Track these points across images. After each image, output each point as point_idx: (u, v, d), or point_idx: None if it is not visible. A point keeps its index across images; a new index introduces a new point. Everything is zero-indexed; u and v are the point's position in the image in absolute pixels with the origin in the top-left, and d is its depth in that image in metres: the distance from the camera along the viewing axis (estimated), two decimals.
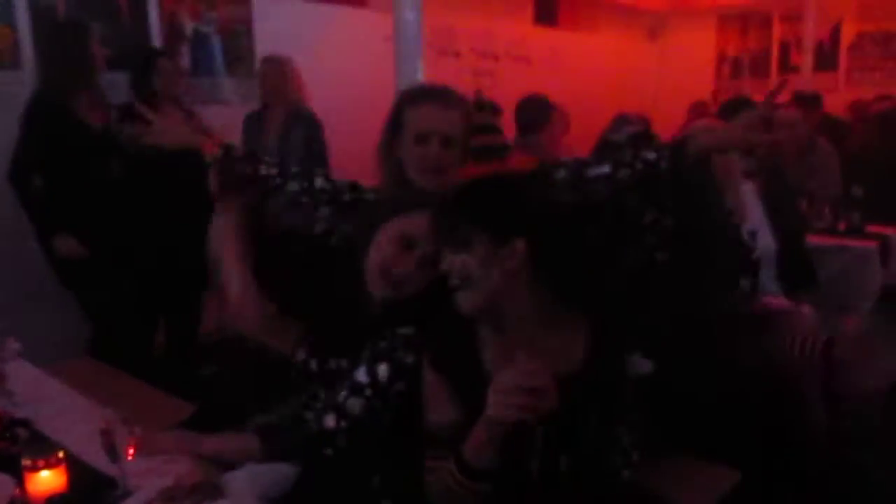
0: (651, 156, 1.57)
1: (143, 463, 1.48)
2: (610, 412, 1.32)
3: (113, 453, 1.38)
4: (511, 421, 1.16)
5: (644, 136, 2.48)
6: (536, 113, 3.79)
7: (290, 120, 3.83)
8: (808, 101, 5.04)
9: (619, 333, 1.34)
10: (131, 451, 1.39)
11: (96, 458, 1.47)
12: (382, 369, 1.41)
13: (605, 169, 1.59)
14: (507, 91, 4.06)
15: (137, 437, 1.38)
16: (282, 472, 1.43)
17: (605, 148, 2.47)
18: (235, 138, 4.08)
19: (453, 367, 1.35)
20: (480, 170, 1.37)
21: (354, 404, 1.42)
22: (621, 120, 4.56)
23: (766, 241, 2.60)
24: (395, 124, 1.77)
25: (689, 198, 1.60)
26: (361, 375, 1.43)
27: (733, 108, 4.41)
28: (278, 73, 3.84)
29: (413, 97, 1.77)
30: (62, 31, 3.22)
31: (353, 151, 4.26)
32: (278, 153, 3.78)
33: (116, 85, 3.68)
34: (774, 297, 2.53)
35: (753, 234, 2.53)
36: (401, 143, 1.74)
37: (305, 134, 3.84)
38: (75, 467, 1.43)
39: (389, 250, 1.48)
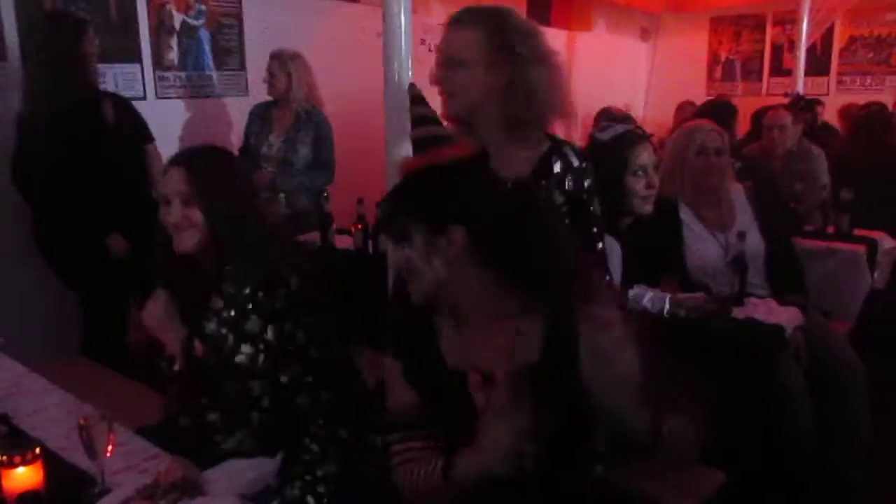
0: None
1: (121, 460, 1.46)
2: (569, 402, 1.30)
3: (91, 450, 1.36)
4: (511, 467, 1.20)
5: (629, 136, 2.49)
6: None
7: (300, 121, 3.75)
8: (802, 106, 5.06)
9: (572, 320, 1.31)
10: (110, 447, 1.37)
11: (75, 454, 1.46)
12: None
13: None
14: None
15: None
16: (262, 469, 1.41)
17: (593, 148, 2.46)
18: (223, 132, 4.07)
19: (411, 353, 1.38)
20: (419, 161, 1.35)
21: None
22: (606, 114, 4.57)
23: (754, 243, 2.60)
24: None
25: None
26: None
27: (712, 109, 4.45)
28: (284, 71, 3.73)
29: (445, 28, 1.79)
30: (56, 25, 3.15)
31: (344, 146, 4.26)
32: (283, 155, 3.73)
33: (103, 78, 3.65)
34: (762, 300, 2.53)
35: (742, 235, 2.53)
36: None
37: (315, 136, 3.78)
38: (53, 464, 1.42)
39: None
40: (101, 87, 3.37)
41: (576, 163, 1.81)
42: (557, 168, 1.79)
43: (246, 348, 1.51)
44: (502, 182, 1.34)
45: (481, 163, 1.34)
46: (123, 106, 3.23)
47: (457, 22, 1.74)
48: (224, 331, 1.53)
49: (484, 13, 1.74)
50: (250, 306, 1.51)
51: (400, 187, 1.37)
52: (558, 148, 1.81)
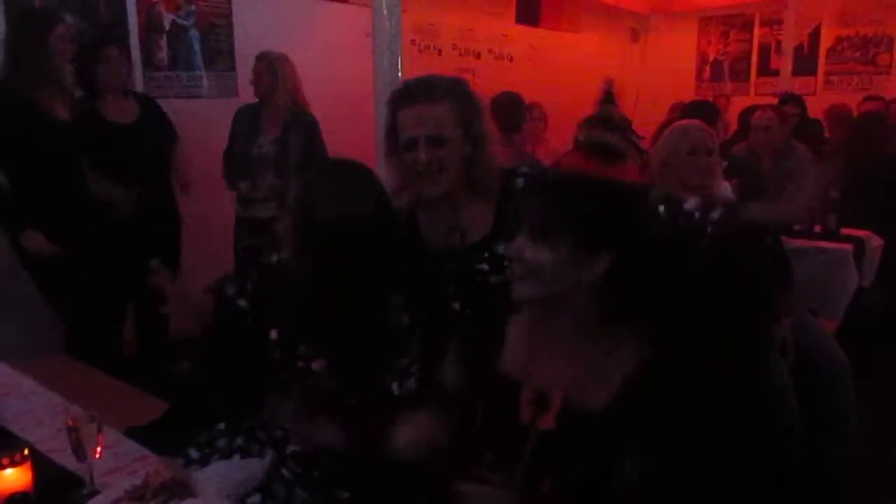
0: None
1: (110, 461, 1.46)
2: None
3: (80, 451, 1.35)
4: None
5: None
6: (512, 112, 3.77)
7: (288, 122, 3.71)
8: (788, 99, 5.11)
9: (666, 375, 1.20)
10: (98, 449, 1.36)
11: (64, 456, 1.45)
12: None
13: (692, 204, 1.57)
14: (489, 89, 4.04)
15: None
16: (251, 469, 1.41)
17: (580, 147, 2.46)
18: (212, 132, 4.05)
19: (478, 357, 1.32)
20: (590, 166, 1.22)
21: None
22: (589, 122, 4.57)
23: None
24: (390, 131, 1.74)
25: None
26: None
27: (696, 109, 4.48)
28: (272, 72, 3.70)
29: (396, 100, 1.73)
30: (25, 21, 3.13)
31: (334, 147, 4.25)
32: (275, 157, 3.71)
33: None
34: None
35: None
36: (398, 147, 1.72)
37: (305, 136, 3.76)
38: (41, 465, 1.41)
39: None
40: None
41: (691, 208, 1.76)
42: (520, 183, 1.78)
43: None
44: (660, 222, 1.29)
45: (643, 194, 1.26)
46: (149, 105, 3.41)
47: (427, 97, 1.68)
48: None
49: (449, 86, 1.72)
50: None
51: (563, 187, 1.25)
52: (513, 171, 1.82)
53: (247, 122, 3.76)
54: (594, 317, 1.22)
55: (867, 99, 5.99)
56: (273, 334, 1.59)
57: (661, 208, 1.52)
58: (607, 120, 1.26)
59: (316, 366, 1.50)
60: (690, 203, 1.61)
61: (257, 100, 3.74)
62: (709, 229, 1.53)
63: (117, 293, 3.39)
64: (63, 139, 3.05)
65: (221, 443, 1.56)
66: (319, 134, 3.81)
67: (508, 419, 1.24)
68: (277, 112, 3.70)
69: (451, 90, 1.70)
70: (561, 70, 7.24)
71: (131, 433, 1.64)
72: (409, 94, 1.71)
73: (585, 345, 1.23)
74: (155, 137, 3.41)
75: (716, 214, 1.56)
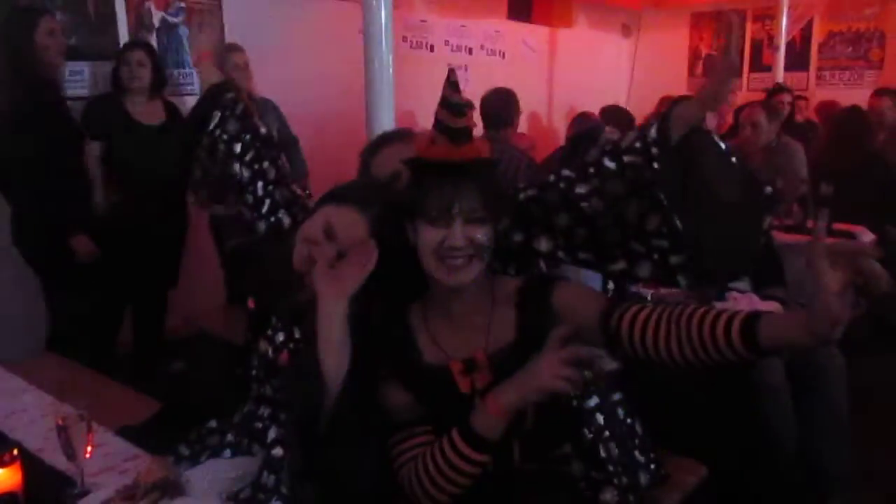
0: (635, 156, 1.43)
1: (101, 461, 1.45)
2: None
3: (70, 450, 1.35)
4: (559, 390, 1.21)
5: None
6: (504, 108, 3.76)
7: (258, 108, 3.68)
8: (775, 92, 5.12)
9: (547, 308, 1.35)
10: (89, 448, 1.36)
11: (54, 455, 1.44)
12: None
13: (594, 183, 1.49)
14: (482, 86, 4.04)
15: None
16: (243, 468, 1.41)
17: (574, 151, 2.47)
18: None
19: (393, 353, 1.38)
20: (484, 148, 1.35)
21: None
22: (581, 120, 4.59)
23: None
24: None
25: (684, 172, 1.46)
26: None
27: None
28: (244, 61, 3.73)
29: (372, 148, 1.75)
30: (10, 17, 3.11)
31: (323, 144, 4.25)
32: None
33: (81, 76, 3.62)
34: (743, 294, 2.55)
35: None
36: None
37: (278, 121, 3.76)
38: (31, 465, 1.40)
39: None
40: (78, 84, 3.35)
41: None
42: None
43: None
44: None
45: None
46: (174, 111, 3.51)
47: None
48: None
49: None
50: None
51: (477, 168, 1.33)
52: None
53: None
54: (482, 279, 1.36)
55: (878, 93, 5.96)
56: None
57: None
58: (458, 108, 1.33)
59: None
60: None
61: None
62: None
63: (119, 294, 3.40)
64: (63, 132, 3.03)
65: (212, 440, 1.56)
66: (285, 119, 3.77)
67: (458, 397, 1.33)
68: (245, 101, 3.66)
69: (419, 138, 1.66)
70: (554, 66, 7.25)
71: (124, 432, 1.64)
72: (383, 140, 1.76)
73: (475, 309, 1.37)
74: (178, 143, 3.38)
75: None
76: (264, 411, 1.54)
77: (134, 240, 3.26)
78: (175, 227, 3.54)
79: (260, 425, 1.53)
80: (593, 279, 2.17)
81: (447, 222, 1.28)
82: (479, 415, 1.27)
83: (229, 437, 1.57)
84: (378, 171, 1.66)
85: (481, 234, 1.30)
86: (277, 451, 1.39)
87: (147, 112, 3.36)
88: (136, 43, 3.64)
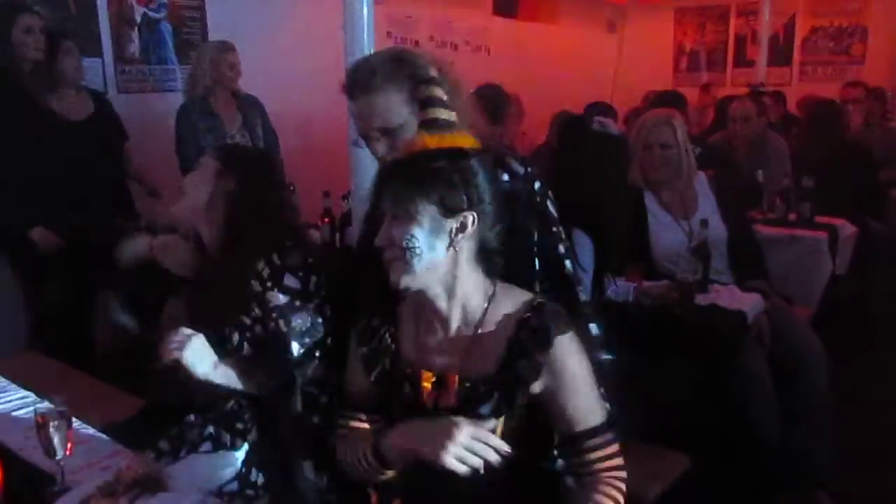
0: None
1: (82, 458, 1.45)
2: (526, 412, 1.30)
3: (50, 448, 1.34)
4: (448, 466, 1.18)
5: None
6: (495, 104, 3.76)
7: (244, 105, 3.64)
8: (758, 94, 5.15)
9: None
10: (69, 445, 1.35)
11: (36, 454, 1.43)
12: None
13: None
14: (467, 81, 4.03)
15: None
16: (224, 463, 1.40)
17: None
18: None
19: (372, 342, 1.38)
20: (431, 141, 1.29)
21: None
22: (563, 117, 4.60)
23: (717, 230, 2.64)
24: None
25: None
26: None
27: (663, 100, 4.53)
28: (237, 61, 3.61)
29: (344, 91, 1.64)
30: None
31: (309, 140, 4.24)
32: (247, 144, 3.61)
33: None
34: (725, 286, 2.57)
35: (705, 223, 2.57)
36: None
37: (262, 117, 3.72)
38: (11, 463, 1.39)
39: None
40: None
41: (521, 171, 1.77)
42: (505, 178, 1.76)
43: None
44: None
45: (487, 155, 1.34)
46: (101, 102, 3.32)
47: (369, 89, 1.58)
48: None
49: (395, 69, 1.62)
50: None
51: (409, 164, 1.29)
52: (501, 160, 1.79)
53: (204, 118, 3.55)
54: (471, 288, 1.31)
55: (848, 85, 6.03)
56: None
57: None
58: (430, 100, 1.34)
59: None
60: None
61: (196, 93, 3.57)
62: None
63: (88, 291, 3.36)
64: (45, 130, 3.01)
65: (192, 434, 1.55)
66: (266, 113, 3.75)
67: (417, 406, 1.32)
68: (226, 98, 3.60)
69: (393, 73, 1.57)
70: (539, 61, 7.25)
71: (107, 430, 1.63)
72: (348, 86, 1.61)
73: (462, 323, 1.32)
74: (107, 136, 3.34)
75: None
76: (246, 412, 1.55)
77: (85, 236, 3.21)
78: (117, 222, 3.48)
79: (241, 426, 1.54)
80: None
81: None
82: (385, 440, 1.29)
83: (209, 429, 1.56)
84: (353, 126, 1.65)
85: (403, 234, 1.25)
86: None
87: (73, 106, 3.25)
88: (63, 32, 3.40)
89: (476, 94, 3.75)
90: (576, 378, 1.28)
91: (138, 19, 4.07)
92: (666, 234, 2.66)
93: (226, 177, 1.67)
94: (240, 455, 1.46)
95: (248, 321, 1.55)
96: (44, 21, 3.13)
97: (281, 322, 1.51)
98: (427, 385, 1.31)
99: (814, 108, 4.78)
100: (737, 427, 2.33)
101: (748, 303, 2.45)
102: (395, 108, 1.54)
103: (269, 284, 1.55)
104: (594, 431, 1.28)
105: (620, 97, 7.61)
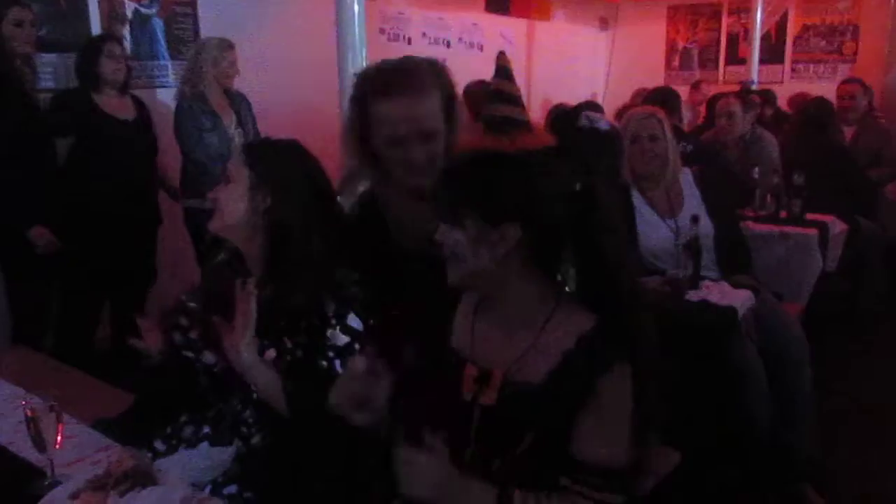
0: None
1: (73, 452, 1.44)
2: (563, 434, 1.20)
3: (40, 442, 1.34)
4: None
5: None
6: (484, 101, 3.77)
7: (236, 102, 3.65)
8: (748, 94, 5.17)
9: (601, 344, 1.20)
10: (59, 439, 1.35)
11: (25, 448, 1.43)
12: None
13: None
14: (460, 78, 4.03)
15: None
16: (215, 458, 1.40)
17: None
18: None
19: (425, 338, 1.35)
20: (488, 143, 1.25)
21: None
22: (557, 111, 4.61)
23: (704, 226, 2.64)
24: (362, 119, 1.62)
25: None
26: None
27: (656, 96, 4.55)
28: (235, 59, 3.62)
29: (377, 90, 1.59)
30: None
31: (300, 138, 4.21)
32: (244, 142, 3.60)
33: (53, 67, 3.58)
34: (715, 283, 2.58)
35: (696, 219, 2.57)
36: (371, 137, 1.61)
37: (251, 114, 3.72)
38: (0, 457, 1.39)
39: None
40: (49, 76, 3.30)
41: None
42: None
43: None
44: (569, 183, 1.21)
45: (551, 158, 1.25)
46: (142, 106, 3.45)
47: (412, 89, 1.57)
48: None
49: (432, 73, 1.63)
50: None
51: (458, 168, 1.27)
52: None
53: (204, 118, 3.52)
54: (527, 295, 1.25)
55: (845, 82, 6.03)
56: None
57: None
58: (498, 96, 1.28)
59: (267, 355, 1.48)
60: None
61: (196, 90, 3.55)
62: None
63: (95, 289, 3.37)
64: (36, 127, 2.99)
65: (188, 432, 1.55)
66: (253, 113, 3.76)
67: (454, 396, 1.26)
68: (218, 94, 3.60)
69: (436, 77, 1.60)
70: (532, 59, 7.26)
71: (98, 425, 1.63)
72: (392, 84, 1.57)
73: (521, 325, 1.25)
74: (148, 138, 3.45)
75: None
76: (251, 416, 1.54)
77: (101, 234, 3.22)
78: (146, 222, 3.50)
79: (245, 430, 1.54)
80: None
81: None
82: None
83: (206, 430, 1.56)
84: (382, 126, 1.58)
85: (449, 237, 1.22)
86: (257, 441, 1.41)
87: (119, 106, 3.32)
88: (113, 36, 3.58)
89: (465, 92, 3.76)
90: (612, 409, 1.18)
91: (129, 15, 4.05)
92: (652, 230, 2.67)
93: (261, 191, 1.51)
94: (231, 450, 1.45)
95: (289, 344, 1.48)
96: (34, 15, 3.13)
97: (337, 363, 1.44)
98: (471, 377, 1.26)
99: (804, 106, 4.80)
100: (728, 422, 2.34)
101: (739, 299, 2.46)
102: (439, 113, 1.55)
103: (333, 322, 1.46)
104: (602, 472, 1.18)
105: (613, 94, 7.63)
